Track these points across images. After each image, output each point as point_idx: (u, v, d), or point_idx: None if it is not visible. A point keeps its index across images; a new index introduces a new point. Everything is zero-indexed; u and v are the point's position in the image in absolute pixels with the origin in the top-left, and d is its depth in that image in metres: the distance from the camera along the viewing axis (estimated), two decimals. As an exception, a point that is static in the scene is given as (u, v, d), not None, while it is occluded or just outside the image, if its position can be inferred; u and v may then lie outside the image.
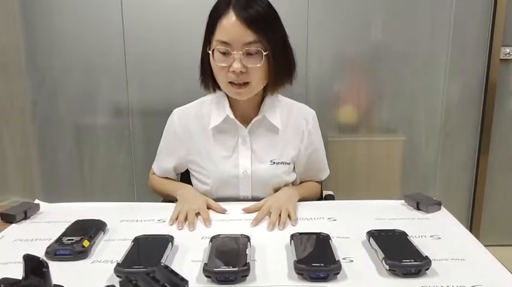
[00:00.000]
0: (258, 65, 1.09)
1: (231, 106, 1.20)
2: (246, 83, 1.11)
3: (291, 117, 1.26)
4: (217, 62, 1.10)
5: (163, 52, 2.01)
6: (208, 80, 1.18)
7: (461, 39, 2.07)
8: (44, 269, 0.65)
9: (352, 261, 0.84)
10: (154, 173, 1.37)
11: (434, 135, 2.17)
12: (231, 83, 1.11)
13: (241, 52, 1.07)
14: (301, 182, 1.34)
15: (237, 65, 1.07)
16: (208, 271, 0.76)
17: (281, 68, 1.14)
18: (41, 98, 2.07)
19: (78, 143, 2.13)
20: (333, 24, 2.03)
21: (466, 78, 2.12)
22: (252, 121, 1.20)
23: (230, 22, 1.06)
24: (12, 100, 2.09)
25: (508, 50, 2.09)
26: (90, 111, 2.09)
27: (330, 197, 1.43)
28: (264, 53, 1.08)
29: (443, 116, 2.15)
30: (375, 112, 2.15)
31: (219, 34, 1.08)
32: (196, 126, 1.24)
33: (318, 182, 1.38)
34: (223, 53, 1.09)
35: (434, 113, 2.15)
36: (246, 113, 1.22)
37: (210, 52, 1.11)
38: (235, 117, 1.20)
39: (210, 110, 1.23)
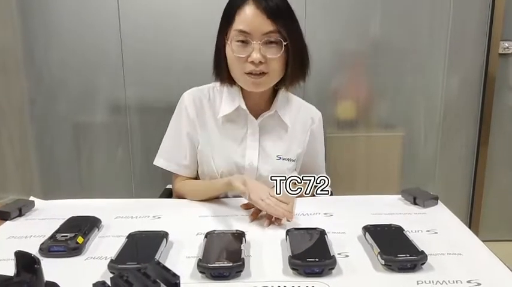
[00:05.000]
0: (278, 56, 1.09)
1: (243, 97, 1.19)
2: (263, 73, 1.10)
3: (299, 115, 1.27)
4: (235, 53, 1.09)
5: (161, 49, 2.00)
6: (224, 73, 1.16)
7: (460, 34, 2.06)
8: (36, 266, 0.64)
9: (347, 256, 0.83)
10: (177, 181, 1.26)
11: (433, 130, 2.16)
12: (248, 73, 1.10)
13: (260, 42, 1.07)
14: None
15: (256, 55, 1.07)
16: (202, 267, 0.75)
17: (298, 61, 1.14)
18: (39, 96, 2.07)
19: (76, 141, 2.13)
20: (331, 20, 2.02)
21: (465, 73, 2.11)
22: (265, 115, 1.21)
23: (250, 12, 1.06)
24: (10, 98, 2.09)
25: (506, 45, 2.08)
26: (88, 109, 2.09)
27: (327, 193, 1.42)
28: (284, 43, 1.08)
29: (442, 111, 2.14)
30: (373, 108, 2.14)
31: (238, 24, 1.08)
32: (208, 110, 1.22)
33: None
34: (242, 42, 1.08)
35: (433, 108, 2.14)
36: (257, 106, 1.21)
37: (228, 43, 1.10)
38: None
39: (221, 97, 1.22)
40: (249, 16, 1.07)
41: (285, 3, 1.11)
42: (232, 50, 1.09)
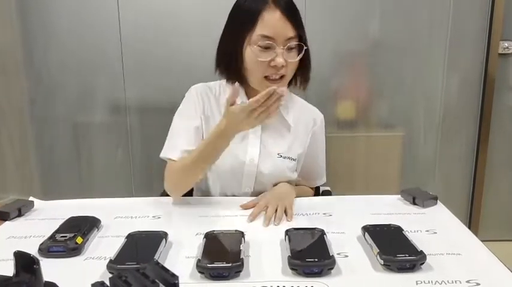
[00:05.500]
0: (296, 59, 1.12)
1: (247, 94, 1.20)
2: (282, 77, 1.12)
3: (302, 115, 1.28)
4: (257, 57, 1.09)
5: (160, 49, 2.00)
6: (237, 75, 1.16)
7: (460, 34, 2.05)
8: (35, 266, 0.64)
9: (346, 256, 0.83)
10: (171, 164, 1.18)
11: (432, 130, 2.16)
12: (266, 77, 1.11)
13: (283, 47, 1.08)
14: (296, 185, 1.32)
15: (280, 60, 1.08)
16: (201, 267, 0.75)
17: (309, 63, 1.18)
18: (39, 97, 2.07)
19: (76, 141, 2.13)
20: (331, 20, 2.02)
21: (464, 73, 2.11)
22: None
23: (274, 17, 1.07)
24: (10, 99, 2.09)
25: (506, 44, 2.07)
26: (88, 109, 2.09)
27: (327, 193, 1.42)
28: (305, 48, 1.11)
29: (442, 111, 2.14)
30: (373, 108, 2.14)
31: (262, 29, 1.08)
32: (214, 105, 1.23)
33: (311, 188, 1.38)
34: (266, 48, 1.09)
35: (433, 108, 2.14)
36: None
37: (248, 46, 1.10)
38: None
39: (225, 94, 1.22)
40: (273, 22, 1.07)
41: (297, 8, 1.12)
42: (255, 54, 1.09)
